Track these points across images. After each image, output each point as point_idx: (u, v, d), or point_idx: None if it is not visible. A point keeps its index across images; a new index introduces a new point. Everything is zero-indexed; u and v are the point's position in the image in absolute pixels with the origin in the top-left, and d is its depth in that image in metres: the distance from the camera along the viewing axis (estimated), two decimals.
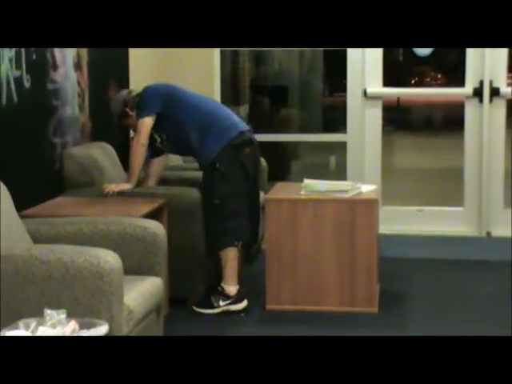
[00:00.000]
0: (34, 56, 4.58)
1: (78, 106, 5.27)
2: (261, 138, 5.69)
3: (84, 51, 5.34)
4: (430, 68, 11.89)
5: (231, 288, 4.90)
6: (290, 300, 4.93)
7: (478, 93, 6.48)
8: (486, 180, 6.50)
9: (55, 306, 3.17)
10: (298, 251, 4.90)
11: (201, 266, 4.96)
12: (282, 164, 8.09)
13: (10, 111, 4.33)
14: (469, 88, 6.52)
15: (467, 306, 5.04)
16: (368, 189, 5.14)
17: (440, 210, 6.86)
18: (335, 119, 8.40)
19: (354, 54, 6.58)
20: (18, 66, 4.40)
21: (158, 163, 5.28)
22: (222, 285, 4.90)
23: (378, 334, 4.45)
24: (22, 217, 4.00)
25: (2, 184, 3.81)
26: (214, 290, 4.92)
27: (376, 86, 6.66)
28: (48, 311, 3.10)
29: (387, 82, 6.73)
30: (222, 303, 4.89)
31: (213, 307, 4.88)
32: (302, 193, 4.96)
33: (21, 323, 3.11)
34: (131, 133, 5.36)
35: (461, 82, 6.61)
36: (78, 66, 5.25)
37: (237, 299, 4.91)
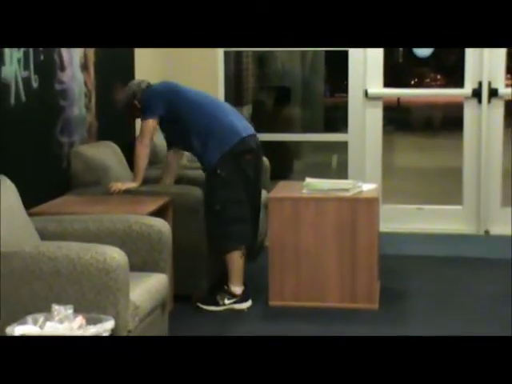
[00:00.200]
0: (42, 57, 4.60)
1: (85, 106, 5.29)
2: (264, 137, 5.74)
3: (91, 52, 5.35)
4: (429, 69, 11.89)
5: (237, 288, 4.95)
6: (292, 296, 4.96)
7: (476, 93, 6.47)
8: (484, 179, 6.49)
9: (62, 302, 3.21)
10: (300, 248, 4.93)
11: (205, 264, 4.98)
12: (285, 163, 8.08)
13: (19, 111, 4.35)
14: (468, 89, 6.51)
15: (466, 303, 5.08)
16: (369, 187, 5.16)
17: (439, 208, 6.85)
18: (337, 119, 8.38)
19: (355, 56, 6.57)
20: (26, 67, 4.42)
21: (174, 161, 5.29)
22: (229, 284, 4.95)
23: (379, 329, 4.51)
24: (30, 214, 4.03)
25: (10, 182, 3.85)
26: (219, 287, 4.96)
27: (377, 87, 6.66)
28: (56, 306, 3.13)
29: (388, 83, 6.71)
30: (227, 301, 4.93)
31: (217, 305, 4.92)
32: (304, 191, 5.00)
33: (29, 318, 3.14)
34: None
35: (460, 83, 6.59)
36: (84, 67, 5.27)
37: (242, 298, 4.95)
